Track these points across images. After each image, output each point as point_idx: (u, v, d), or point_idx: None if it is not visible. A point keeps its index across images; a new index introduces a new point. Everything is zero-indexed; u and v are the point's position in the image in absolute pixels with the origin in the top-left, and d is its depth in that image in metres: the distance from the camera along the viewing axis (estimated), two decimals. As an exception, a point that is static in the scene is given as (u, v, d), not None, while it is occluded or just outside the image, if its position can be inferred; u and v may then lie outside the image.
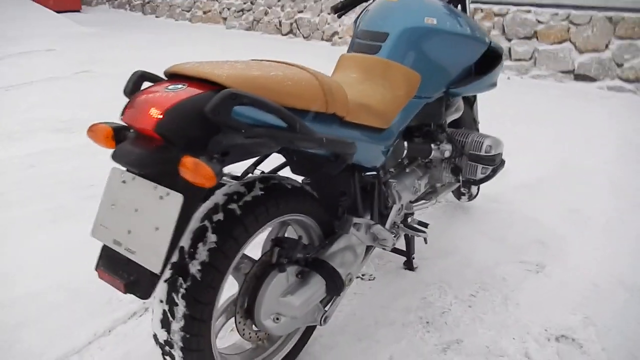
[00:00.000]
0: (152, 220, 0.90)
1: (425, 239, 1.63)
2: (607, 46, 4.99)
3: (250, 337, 1.24)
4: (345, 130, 1.17)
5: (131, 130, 0.94)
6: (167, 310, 1.01)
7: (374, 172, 1.41)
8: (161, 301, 1.02)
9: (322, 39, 7.71)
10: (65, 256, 1.88)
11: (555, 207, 2.42)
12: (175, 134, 0.87)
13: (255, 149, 0.93)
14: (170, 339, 1.01)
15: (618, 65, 4.92)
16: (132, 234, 0.92)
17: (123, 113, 0.93)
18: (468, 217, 2.30)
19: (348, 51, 1.57)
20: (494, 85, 1.78)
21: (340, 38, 7.42)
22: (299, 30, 8.07)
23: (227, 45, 6.98)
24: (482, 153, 1.69)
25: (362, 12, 1.65)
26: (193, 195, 0.90)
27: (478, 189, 2.25)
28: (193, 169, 0.82)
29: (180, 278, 0.99)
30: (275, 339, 1.33)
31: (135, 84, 0.98)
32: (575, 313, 1.65)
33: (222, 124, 0.87)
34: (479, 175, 1.74)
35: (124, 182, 0.96)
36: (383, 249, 1.50)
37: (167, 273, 0.99)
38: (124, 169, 0.96)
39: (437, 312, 1.64)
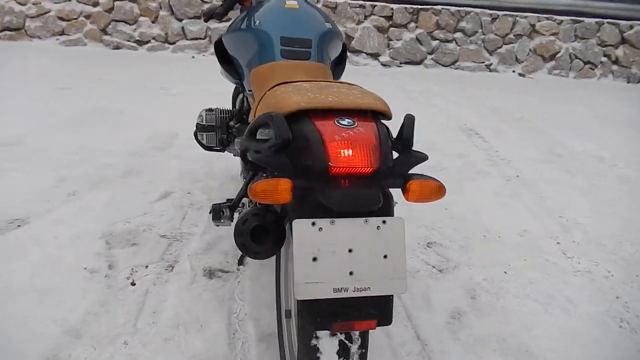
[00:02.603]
0: (376, 251, 0.92)
1: None
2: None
3: None
4: None
5: (329, 175, 0.90)
6: (343, 338, 1.00)
7: None
8: (333, 335, 0.99)
9: None
10: None
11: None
12: (387, 166, 0.93)
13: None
14: (353, 339, 1.02)
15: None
16: (355, 274, 0.91)
17: (329, 160, 0.88)
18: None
19: (265, 58, 1.56)
20: None
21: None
22: None
23: None
24: None
25: (244, 14, 1.66)
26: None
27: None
28: (422, 189, 0.91)
29: None
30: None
31: (285, 127, 0.92)
32: (420, 227, 2.31)
33: (409, 148, 0.96)
34: None
35: (320, 229, 0.90)
36: None
37: None
38: (309, 219, 0.90)
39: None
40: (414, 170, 0.99)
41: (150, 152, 2.94)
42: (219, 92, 4.05)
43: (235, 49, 1.70)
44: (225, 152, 2.07)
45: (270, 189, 0.87)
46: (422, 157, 1.00)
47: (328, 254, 0.90)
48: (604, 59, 6.19)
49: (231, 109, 2.49)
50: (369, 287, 0.92)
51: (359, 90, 1.08)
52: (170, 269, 1.81)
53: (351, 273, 0.91)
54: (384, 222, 0.93)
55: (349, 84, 1.18)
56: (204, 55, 5.81)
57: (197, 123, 1.91)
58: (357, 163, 0.89)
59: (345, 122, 0.93)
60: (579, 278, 2.03)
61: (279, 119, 0.91)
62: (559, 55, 6.12)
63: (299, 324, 1.01)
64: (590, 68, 6.19)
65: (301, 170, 0.92)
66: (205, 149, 1.96)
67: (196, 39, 5.83)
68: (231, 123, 1.84)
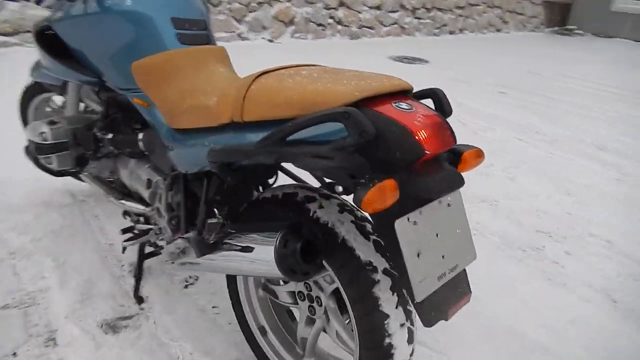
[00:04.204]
0: (452, 229, 0.91)
1: None
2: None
3: None
4: None
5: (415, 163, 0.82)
6: (410, 325, 0.97)
7: None
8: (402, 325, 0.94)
9: None
10: None
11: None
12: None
13: None
14: (412, 321, 0.99)
15: (-12, 19, 4.66)
16: (446, 257, 0.89)
17: (425, 149, 0.79)
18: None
19: (156, 47, 1.20)
20: None
21: None
22: None
23: None
24: None
25: None
26: None
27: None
28: (472, 158, 0.92)
29: None
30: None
31: (369, 122, 0.79)
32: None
33: None
34: None
35: (415, 223, 0.84)
36: None
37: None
38: (405, 216, 0.83)
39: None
40: None
41: None
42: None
43: (84, 38, 1.29)
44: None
45: (382, 195, 0.75)
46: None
47: (426, 245, 0.86)
48: (330, 20, 7.04)
49: (25, 115, 1.93)
50: (457, 265, 0.92)
51: (364, 72, 1.00)
52: (52, 344, 1.35)
53: (443, 257, 0.89)
54: (449, 197, 0.93)
55: (322, 66, 1.07)
56: None
57: (38, 144, 1.38)
58: (442, 145, 0.84)
59: (404, 105, 0.85)
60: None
61: (358, 114, 0.76)
62: (296, 20, 6.66)
63: (361, 329, 0.94)
64: (322, 29, 6.97)
65: (378, 165, 0.81)
66: (57, 175, 1.45)
67: None
68: (98, 134, 1.40)
